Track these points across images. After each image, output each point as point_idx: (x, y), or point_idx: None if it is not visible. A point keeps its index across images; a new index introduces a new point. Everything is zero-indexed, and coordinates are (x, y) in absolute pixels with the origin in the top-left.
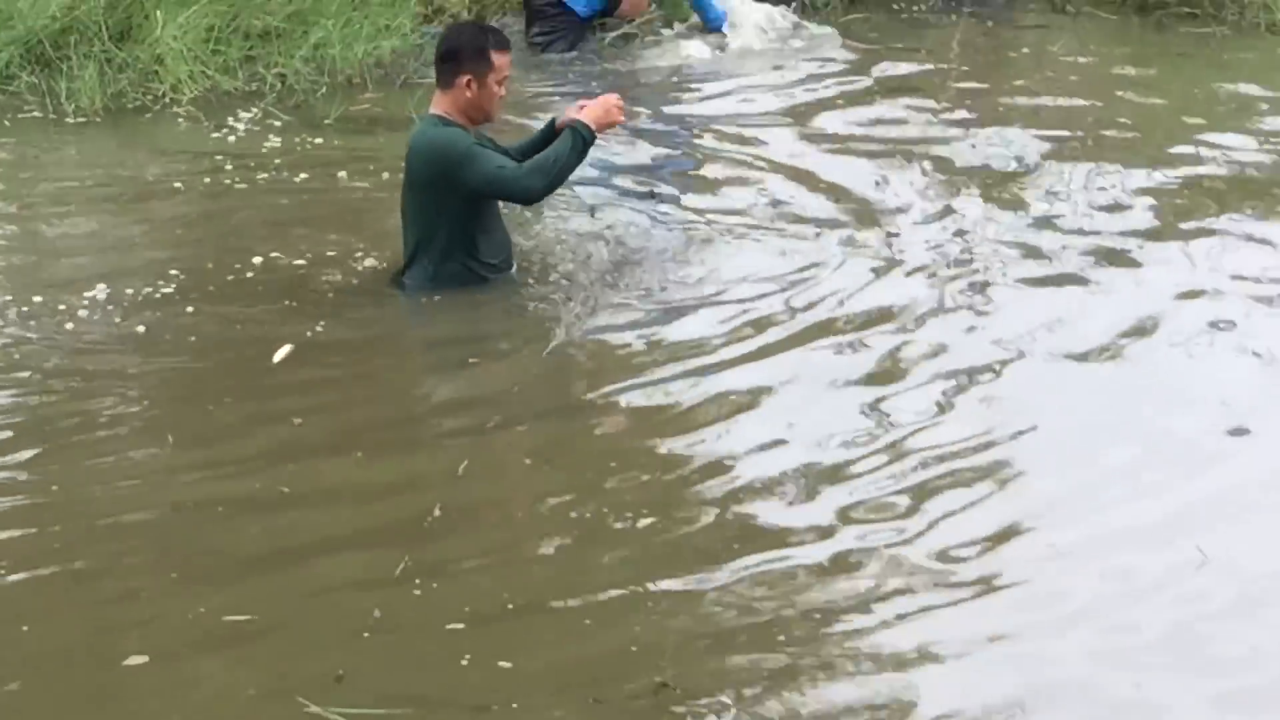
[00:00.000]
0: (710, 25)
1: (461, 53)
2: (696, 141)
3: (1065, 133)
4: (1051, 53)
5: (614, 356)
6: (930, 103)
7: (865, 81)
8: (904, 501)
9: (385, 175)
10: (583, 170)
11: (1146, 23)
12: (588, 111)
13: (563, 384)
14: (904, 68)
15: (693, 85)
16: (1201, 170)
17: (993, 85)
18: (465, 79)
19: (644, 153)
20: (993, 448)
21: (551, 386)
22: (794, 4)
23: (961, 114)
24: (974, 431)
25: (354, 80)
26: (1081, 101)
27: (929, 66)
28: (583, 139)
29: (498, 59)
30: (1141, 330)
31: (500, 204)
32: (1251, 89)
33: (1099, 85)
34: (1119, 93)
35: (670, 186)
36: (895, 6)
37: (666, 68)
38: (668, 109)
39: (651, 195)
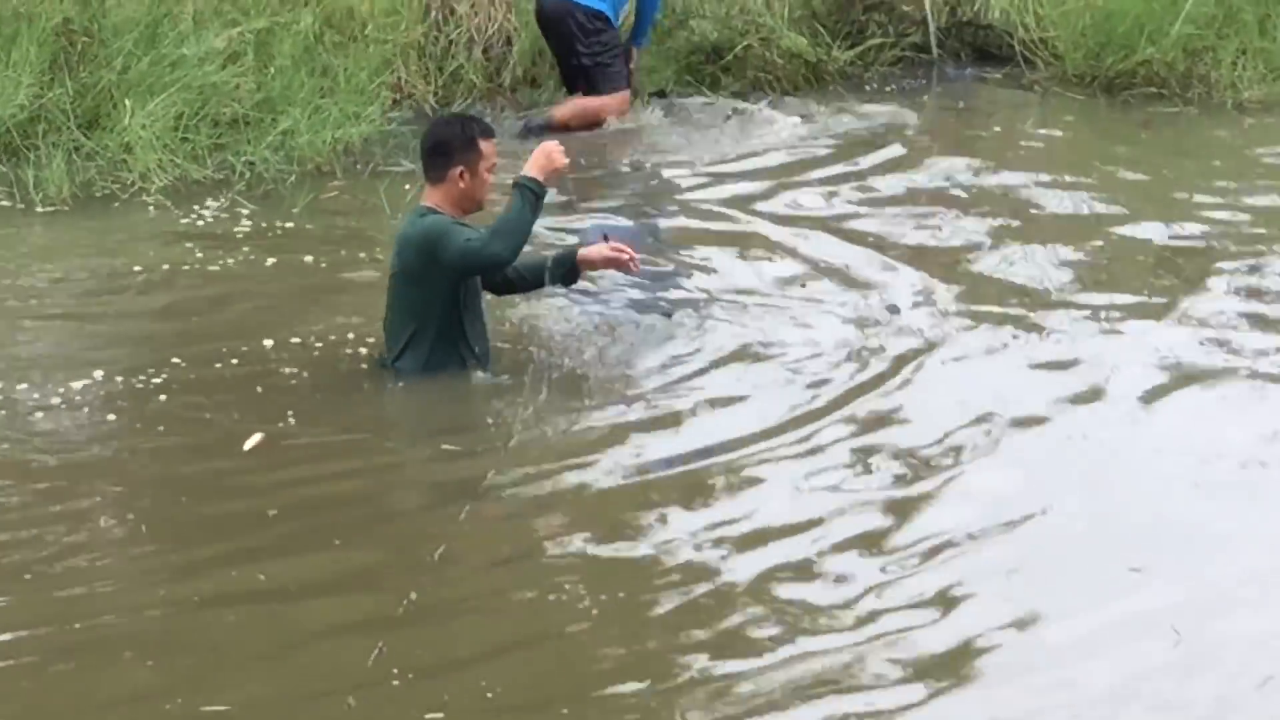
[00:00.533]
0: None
1: (451, 145)
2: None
3: (1035, 209)
4: (1023, 129)
5: (590, 441)
6: (912, 179)
7: (838, 160)
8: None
9: (355, 261)
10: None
11: (1114, 102)
12: (530, 164)
13: (537, 473)
14: (882, 148)
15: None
16: (1183, 242)
17: (971, 161)
18: (458, 170)
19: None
20: (1009, 531)
21: (525, 475)
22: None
23: (941, 191)
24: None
25: (323, 168)
26: (1048, 177)
27: (900, 150)
28: (532, 193)
29: (485, 146)
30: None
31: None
32: (1219, 165)
33: (1070, 162)
34: (1089, 170)
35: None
36: (868, 88)
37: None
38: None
39: (668, 315)
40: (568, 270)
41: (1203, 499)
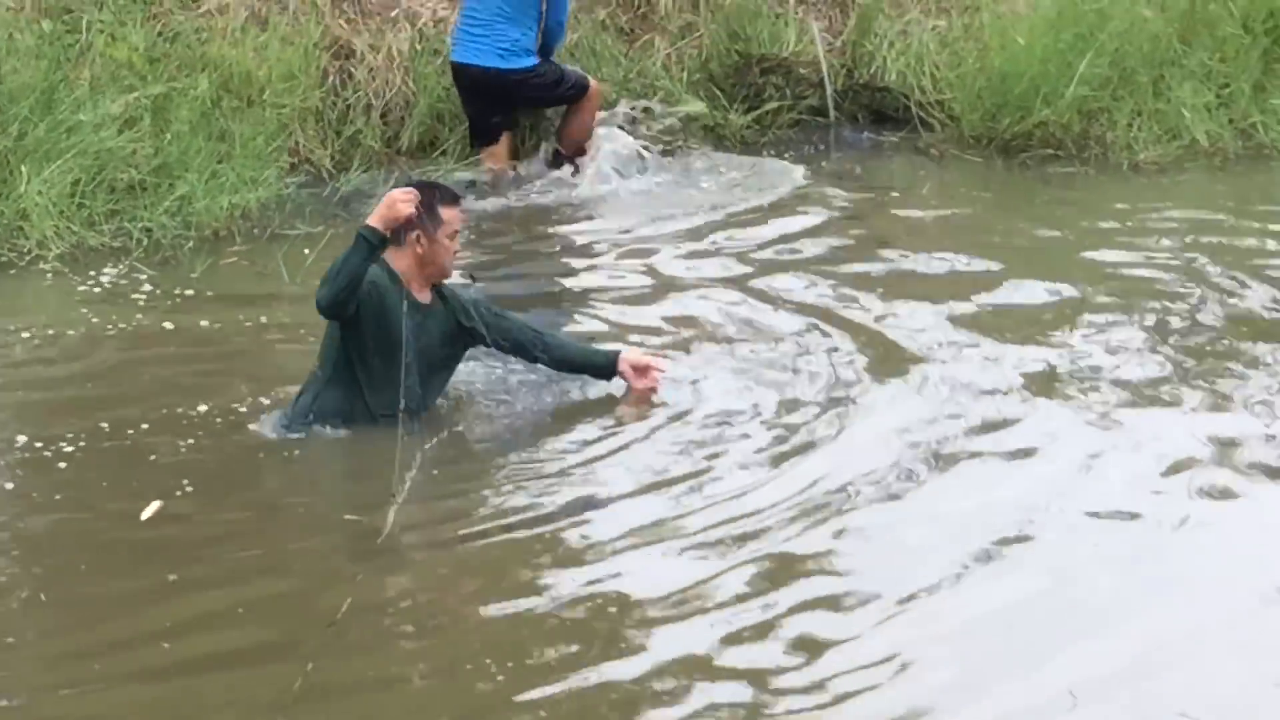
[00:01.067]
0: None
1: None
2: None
3: (940, 268)
4: (923, 196)
5: (493, 504)
6: (821, 245)
7: (745, 226)
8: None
9: (253, 327)
10: None
11: (1011, 164)
12: (374, 212)
13: (430, 537)
14: (787, 217)
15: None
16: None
17: (871, 229)
18: (414, 234)
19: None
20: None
21: (419, 538)
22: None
23: (846, 256)
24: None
25: (220, 233)
26: (940, 239)
27: (812, 218)
28: (364, 239)
29: (446, 213)
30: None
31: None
32: (1114, 225)
33: (963, 225)
34: (981, 232)
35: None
36: (769, 152)
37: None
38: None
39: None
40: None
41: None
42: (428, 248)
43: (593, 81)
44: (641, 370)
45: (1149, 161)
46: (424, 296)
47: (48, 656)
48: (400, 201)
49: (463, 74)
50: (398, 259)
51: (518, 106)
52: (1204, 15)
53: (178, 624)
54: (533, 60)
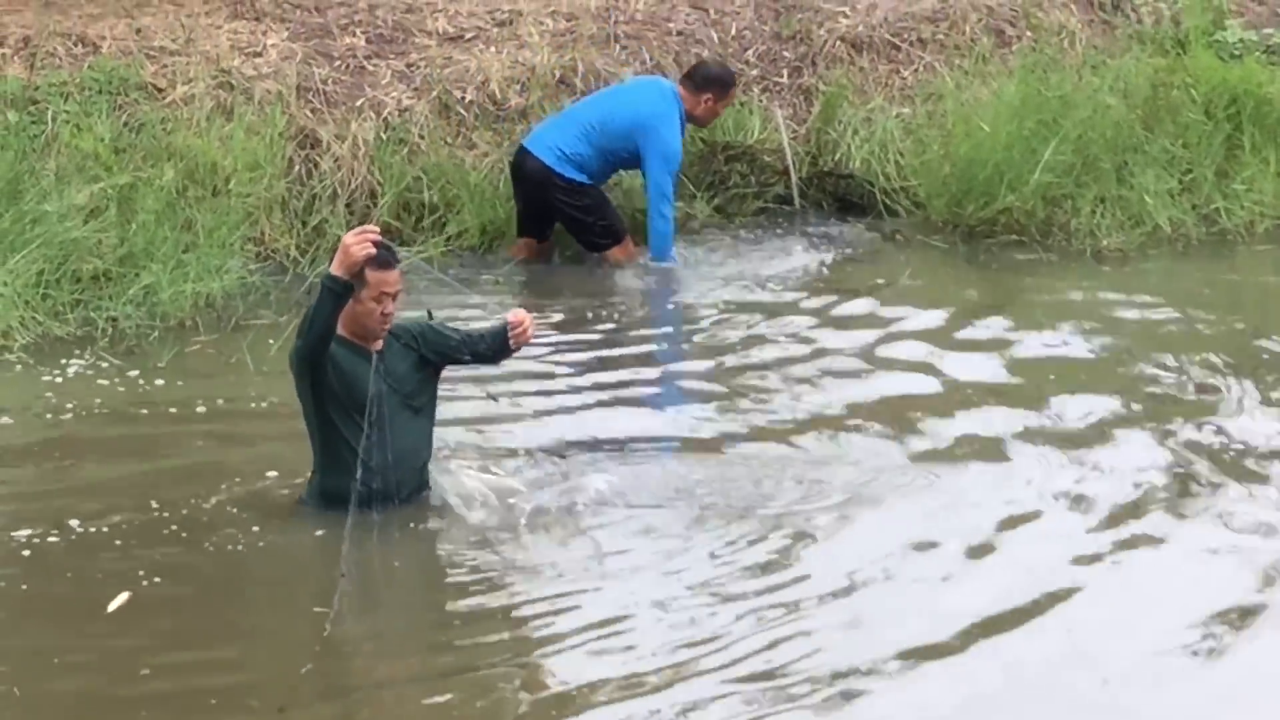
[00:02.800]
0: (654, 256)
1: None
2: None
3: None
4: (887, 278)
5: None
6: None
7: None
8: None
9: (217, 415)
10: None
11: (975, 250)
12: (334, 260)
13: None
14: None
15: None
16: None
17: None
18: None
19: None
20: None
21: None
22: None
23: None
24: None
25: (185, 323)
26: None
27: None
28: (328, 289)
29: (373, 276)
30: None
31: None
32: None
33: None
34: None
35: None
36: (738, 234)
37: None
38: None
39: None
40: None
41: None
42: (352, 306)
43: (628, 241)
44: (516, 321)
45: (1112, 248)
46: (378, 345)
47: None
48: (353, 245)
49: (520, 159)
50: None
51: (553, 219)
52: (1166, 102)
53: (149, 714)
54: (582, 178)
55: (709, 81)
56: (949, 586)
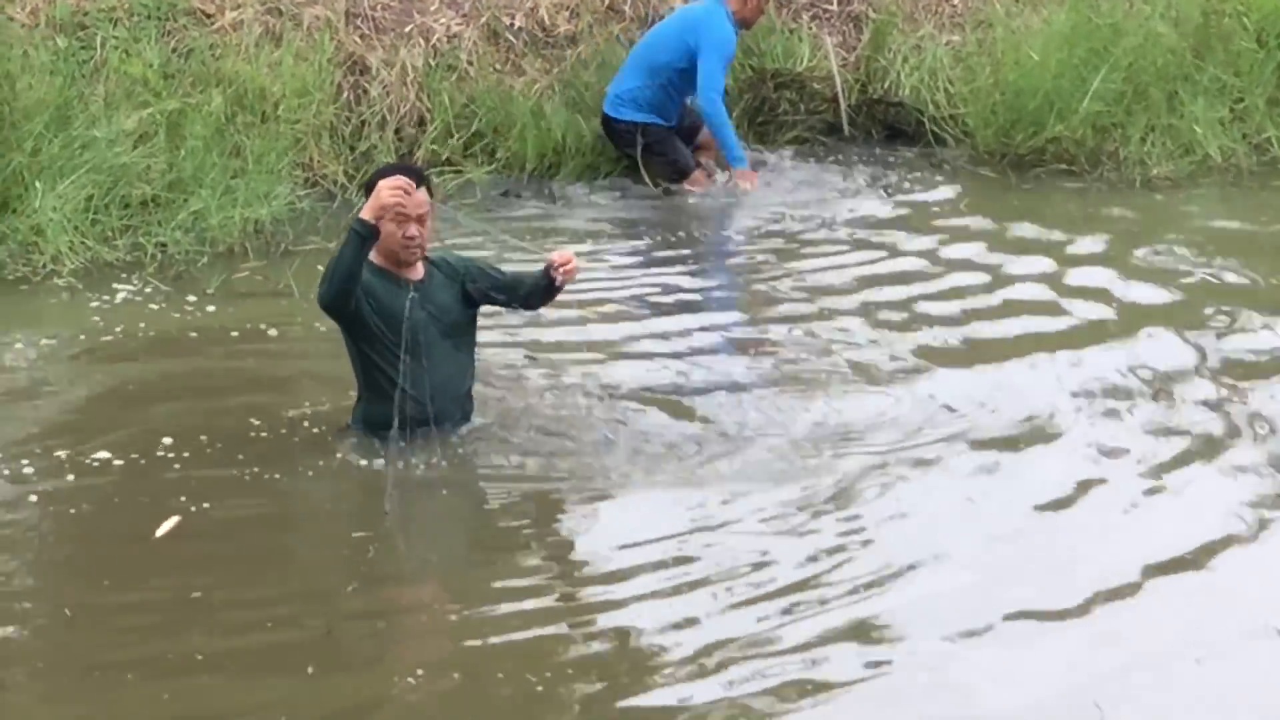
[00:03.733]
0: (730, 162)
1: (367, 190)
2: None
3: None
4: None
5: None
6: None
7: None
8: None
9: (265, 341)
10: None
11: (1024, 178)
12: (366, 204)
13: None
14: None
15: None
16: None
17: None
18: None
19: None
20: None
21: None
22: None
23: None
24: None
25: (234, 249)
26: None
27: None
28: (355, 232)
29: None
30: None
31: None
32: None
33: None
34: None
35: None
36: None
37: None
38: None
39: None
40: (546, 286)
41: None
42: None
43: (698, 172)
44: (562, 261)
45: (1162, 177)
46: (415, 273)
47: (76, 669)
48: (386, 189)
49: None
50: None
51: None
52: (1218, 29)
53: (198, 634)
54: (642, 117)
55: None
56: (1048, 549)
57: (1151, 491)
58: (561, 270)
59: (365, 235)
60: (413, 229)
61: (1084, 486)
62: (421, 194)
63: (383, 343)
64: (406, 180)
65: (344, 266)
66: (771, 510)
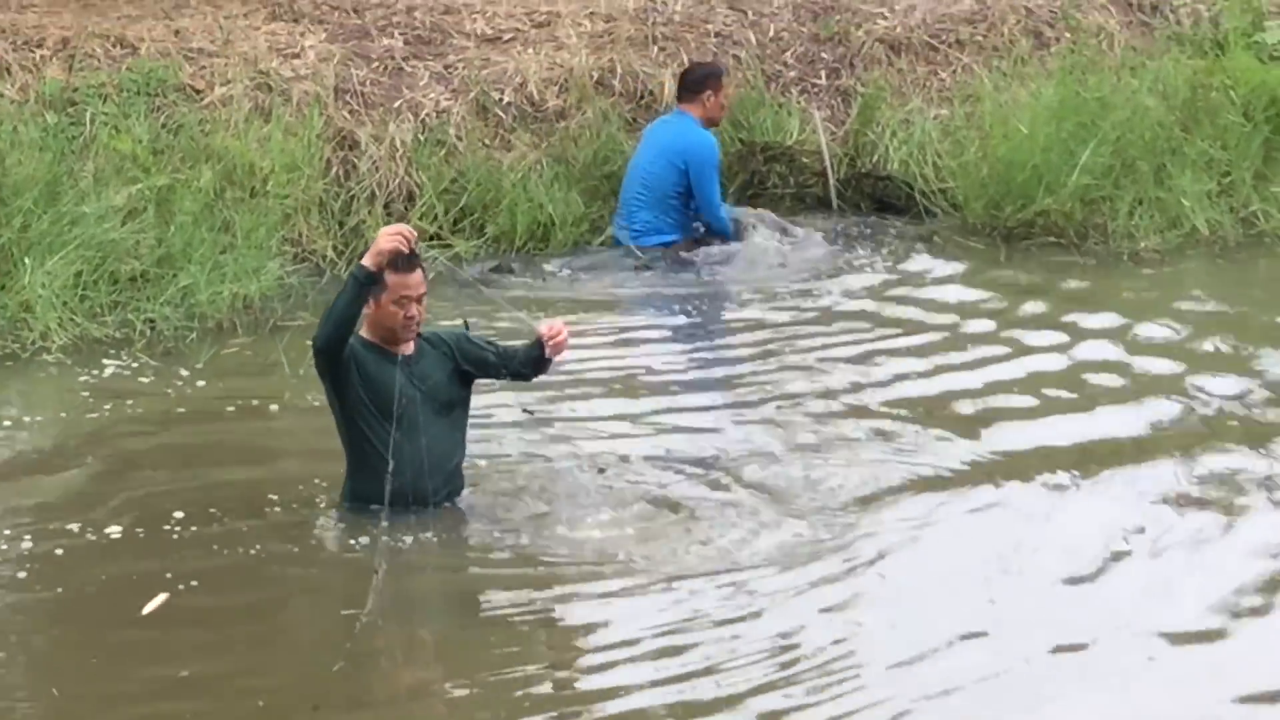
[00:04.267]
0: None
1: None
2: None
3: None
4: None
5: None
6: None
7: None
8: None
9: (253, 418)
10: None
11: (1013, 251)
12: (368, 252)
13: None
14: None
15: None
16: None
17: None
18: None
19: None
20: None
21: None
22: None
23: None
24: None
25: (223, 324)
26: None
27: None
28: (354, 278)
29: (392, 279)
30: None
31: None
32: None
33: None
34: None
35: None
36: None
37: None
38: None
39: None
40: (538, 357)
41: None
42: (374, 311)
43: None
44: (552, 333)
45: (1150, 250)
46: (405, 349)
47: None
48: (386, 236)
49: None
50: (364, 325)
51: None
52: (1205, 103)
53: (187, 714)
54: (668, 238)
55: (699, 81)
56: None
57: (1183, 550)
58: (551, 341)
59: (364, 281)
60: (414, 309)
61: (1116, 555)
62: (419, 274)
63: (373, 417)
64: (407, 228)
65: (341, 311)
66: (781, 590)
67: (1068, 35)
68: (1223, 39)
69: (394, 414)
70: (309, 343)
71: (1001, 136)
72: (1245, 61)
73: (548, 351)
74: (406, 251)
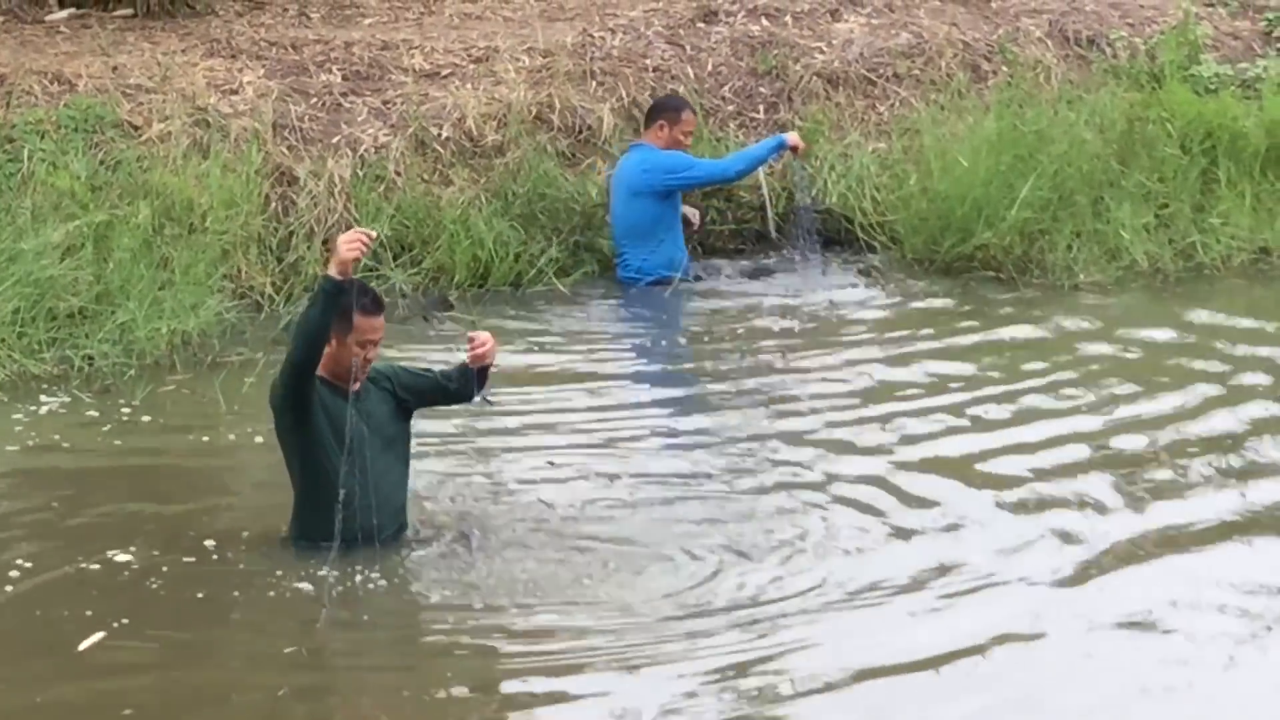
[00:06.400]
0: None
1: (349, 311)
2: None
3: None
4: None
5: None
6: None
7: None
8: None
9: (189, 454)
10: None
11: (954, 284)
12: (330, 261)
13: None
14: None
15: None
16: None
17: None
18: (331, 334)
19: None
20: None
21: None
22: None
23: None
24: None
25: (161, 361)
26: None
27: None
28: (324, 290)
29: (360, 320)
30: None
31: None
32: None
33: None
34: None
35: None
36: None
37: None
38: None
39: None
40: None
41: None
42: (335, 349)
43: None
44: (479, 342)
45: (1088, 283)
46: (354, 387)
47: None
48: (347, 244)
49: None
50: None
51: None
52: (1142, 136)
53: None
54: (662, 274)
55: (658, 111)
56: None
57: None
58: (474, 350)
59: (333, 292)
60: (373, 351)
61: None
62: (382, 318)
63: (331, 451)
64: (367, 232)
65: (314, 323)
66: (730, 628)
67: (1005, 69)
68: (1159, 72)
69: (345, 448)
70: (248, 380)
71: (940, 170)
72: (1181, 95)
73: (469, 358)
74: (364, 251)
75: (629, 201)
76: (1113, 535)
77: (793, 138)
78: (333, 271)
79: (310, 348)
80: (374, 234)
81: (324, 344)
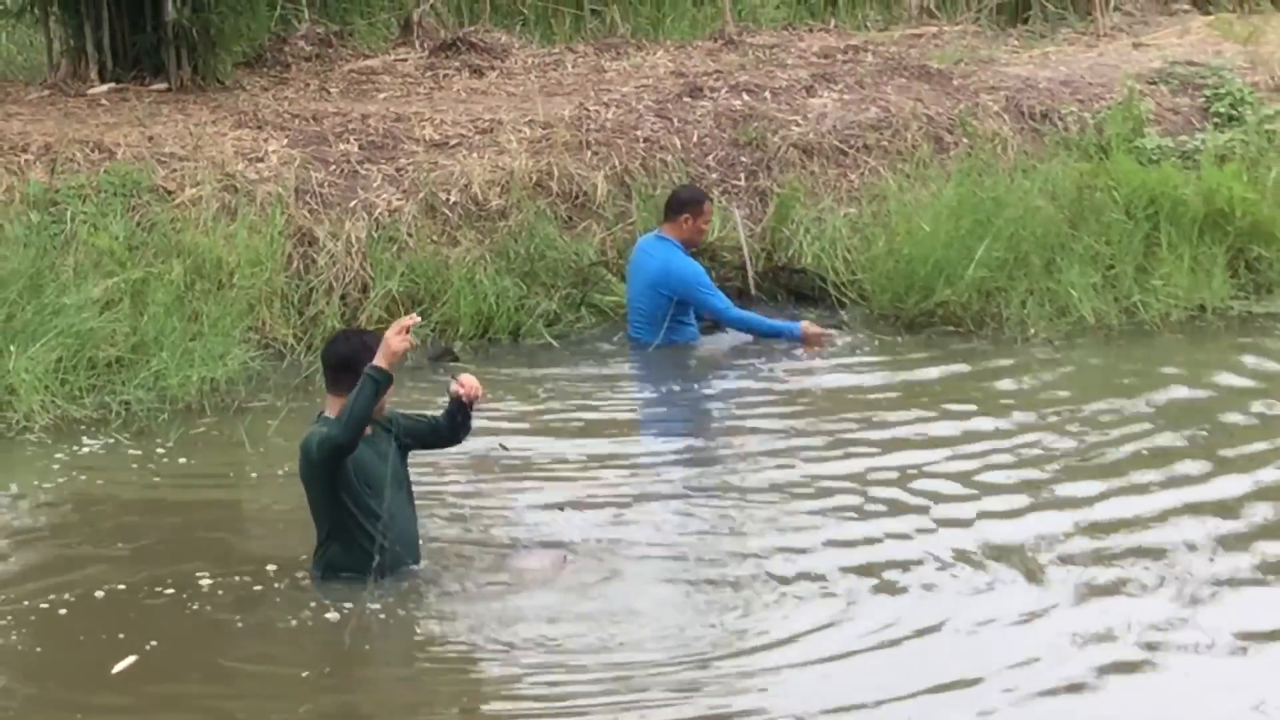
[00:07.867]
0: (787, 335)
1: (355, 360)
2: None
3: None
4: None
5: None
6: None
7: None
8: None
9: (219, 492)
10: None
11: (917, 338)
12: (378, 354)
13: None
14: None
15: None
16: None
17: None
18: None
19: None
20: None
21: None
22: None
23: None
24: None
25: (192, 406)
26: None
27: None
28: (371, 379)
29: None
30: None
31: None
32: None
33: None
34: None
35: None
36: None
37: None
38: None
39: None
40: (457, 410)
41: None
42: None
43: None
44: (465, 382)
45: (1040, 337)
46: (368, 430)
47: None
48: (394, 339)
49: None
50: (332, 405)
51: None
52: (1091, 203)
53: None
54: (680, 340)
55: (682, 205)
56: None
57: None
58: (462, 389)
59: (381, 381)
60: (387, 403)
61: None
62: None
63: (360, 490)
64: (410, 321)
65: (362, 411)
66: (725, 675)
67: (965, 140)
68: (1106, 144)
69: (379, 485)
70: (271, 423)
71: (905, 233)
72: (1127, 165)
73: (451, 398)
74: (412, 344)
75: (646, 291)
76: None
77: (807, 329)
78: (382, 363)
79: (359, 433)
80: (417, 318)
81: (366, 426)
